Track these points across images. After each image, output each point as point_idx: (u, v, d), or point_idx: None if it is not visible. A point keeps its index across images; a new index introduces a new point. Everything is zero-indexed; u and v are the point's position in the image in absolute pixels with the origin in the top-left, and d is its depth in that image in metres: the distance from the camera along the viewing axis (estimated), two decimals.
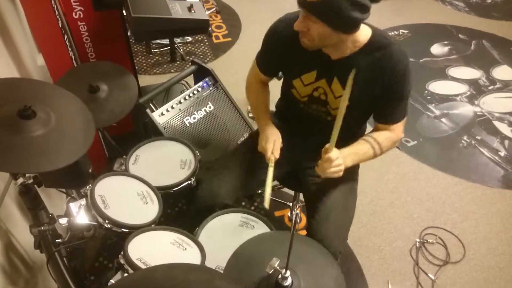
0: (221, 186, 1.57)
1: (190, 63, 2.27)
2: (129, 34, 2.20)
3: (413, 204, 2.46)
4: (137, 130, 2.19)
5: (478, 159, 2.76)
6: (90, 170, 1.52)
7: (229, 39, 3.78)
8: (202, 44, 3.69)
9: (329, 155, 1.33)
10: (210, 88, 2.16)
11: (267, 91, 1.73)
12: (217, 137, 2.10)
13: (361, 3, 1.18)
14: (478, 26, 4.15)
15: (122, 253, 1.22)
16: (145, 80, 3.23)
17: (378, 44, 1.36)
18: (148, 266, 1.20)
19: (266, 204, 1.40)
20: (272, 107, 1.83)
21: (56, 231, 1.43)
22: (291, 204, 2.30)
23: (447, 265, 2.16)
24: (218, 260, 1.31)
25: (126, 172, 1.58)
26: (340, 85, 1.43)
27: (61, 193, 1.83)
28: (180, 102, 2.05)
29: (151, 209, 1.45)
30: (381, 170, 2.64)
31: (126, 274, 1.21)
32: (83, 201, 1.38)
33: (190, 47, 3.65)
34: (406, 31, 4.01)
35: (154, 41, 3.59)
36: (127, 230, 1.33)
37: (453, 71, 3.55)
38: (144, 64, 3.43)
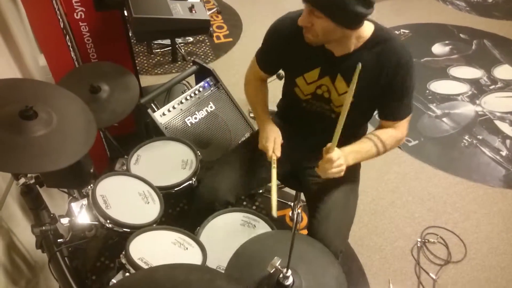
0: (222, 183, 1.57)
1: (191, 63, 2.27)
2: (130, 34, 2.20)
3: (414, 203, 2.45)
4: (138, 130, 2.19)
5: (480, 159, 2.76)
6: (91, 170, 1.53)
7: (230, 39, 3.78)
8: (203, 45, 3.69)
9: (330, 155, 1.32)
10: (212, 88, 2.16)
11: (266, 88, 1.73)
12: (218, 137, 2.11)
13: None
14: (479, 25, 4.15)
15: (123, 252, 1.23)
16: (146, 80, 3.23)
17: (380, 39, 1.36)
18: (149, 266, 1.20)
19: (274, 213, 1.39)
20: (274, 107, 1.84)
21: (58, 231, 1.43)
22: (292, 204, 2.30)
23: (449, 264, 2.15)
24: (219, 259, 1.31)
25: (127, 172, 1.58)
26: (344, 81, 1.43)
27: (63, 193, 1.84)
28: (181, 102, 2.05)
29: (153, 209, 1.45)
30: (382, 170, 2.64)
31: (127, 274, 1.21)
32: (84, 201, 1.39)
33: (191, 48, 3.66)
34: (407, 31, 4.01)
35: (155, 42, 3.59)
36: (129, 230, 1.34)
37: (454, 71, 3.54)
38: (146, 65, 3.44)
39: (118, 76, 1.78)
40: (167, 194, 1.55)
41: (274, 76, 2.21)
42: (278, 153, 1.52)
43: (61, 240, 1.43)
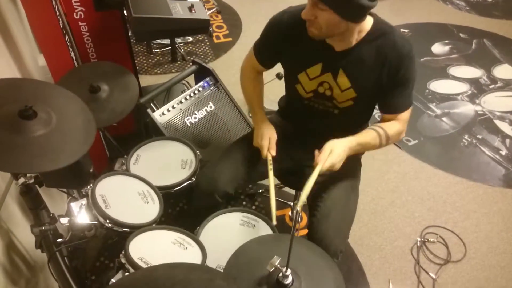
0: (222, 174, 1.57)
1: (191, 63, 2.27)
2: (130, 34, 2.21)
3: (414, 203, 2.45)
4: (138, 130, 2.19)
5: (479, 158, 2.76)
6: (91, 170, 1.52)
7: (230, 39, 3.78)
8: (203, 44, 3.69)
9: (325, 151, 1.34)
10: (211, 88, 2.16)
11: (262, 82, 1.72)
12: (218, 136, 2.11)
13: None
14: (479, 25, 4.15)
15: (123, 252, 1.23)
16: (146, 80, 3.23)
17: (380, 31, 1.36)
18: (149, 266, 1.20)
19: (274, 221, 1.40)
20: (274, 107, 1.84)
21: (57, 231, 1.43)
22: (292, 204, 2.30)
23: (448, 264, 2.15)
24: (219, 259, 1.31)
25: (127, 172, 1.58)
26: (346, 77, 1.42)
27: (62, 193, 1.83)
28: (181, 102, 2.05)
29: (152, 209, 1.45)
30: (382, 169, 2.64)
31: (127, 274, 1.21)
32: (84, 201, 1.39)
33: (191, 47, 3.66)
34: (406, 31, 4.01)
35: (155, 41, 3.59)
36: (128, 230, 1.34)
37: (454, 70, 3.54)
38: (145, 64, 3.44)
39: (118, 76, 1.78)
40: (166, 194, 1.55)
41: (274, 76, 2.23)
42: (273, 152, 1.52)
43: (61, 240, 1.43)
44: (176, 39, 3.47)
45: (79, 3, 1.89)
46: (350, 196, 1.54)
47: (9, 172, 1.37)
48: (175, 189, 1.58)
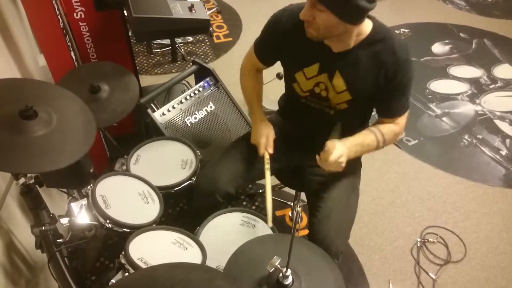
0: (222, 173, 1.57)
1: (191, 63, 2.27)
2: (130, 34, 2.20)
3: (414, 203, 2.45)
4: (138, 130, 2.19)
5: (480, 158, 2.76)
6: (91, 170, 1.52)
7: (230, 39, 3.78)
8: (203, 44, 3.69)
9: (328, 148, 1.35)
10: (211, 88, 2.16)
11: (261, 80, 1.72)
12: (218, 137, 2.11)
13: None
14: (479, 24, 4.14)
15: (123, 253, 1.23)
16: (146, 80, 3.23)
17: (379, 36, 1.35)
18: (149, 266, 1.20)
19: (270, 223, 1.40)
20: (274, 107, 1.84)
21: (57, 231, 1.43)
22: (292, 204, 2.30)
23: (448, 264, 2.15)
24: (219, 259, 1.31)
25: (127, 172, 1.58)
26: (341, 79, 1.42)
27: (63, 193, 1.84)
28: (181, 102, 2.05)
29: (152, 209, 1.45)
30: (382, 169, 2.63)
31: (127, 274, 1.21)
32: (84, 201, 1.39)
33: (191, 47, 3.66)
34: (407, 30, 4.01)
35: (155, 41, 3.59)
36: (128, 230, 1.34)
37: (454, 70, 3.54)
38: (145, 64, 3.44)
39: (118, 76, 1.78)
40: (166, 194, 1.55)
41: (274, 76, 2.23)
42: (271, 150, 1.52)
43: (61, 240, 1.43)
44: (176, 39, 3.47)
45: (79, 3, 1.90)
46: (350, 196, 1.55)
47: (10, 172, 1.37)
48: (175, 189, 1.58)
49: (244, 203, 2.31)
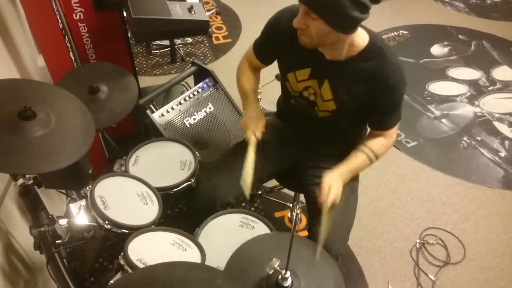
0: (222, 184, 1.56)
1: (190, 64, 2.27)
2: (129, 35, 2.20)
3: (413, 205, 2.45)
4: (137, 131, 2.19)
5: (479, 160, 2.76)
6: (90, 171, 1.52)
7: (229, 40, 3.78)
8: (202, 45, 3.69)
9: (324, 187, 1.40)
10: (210, 89, 2.16)
11: (258, 76, 1.72)
12: (217, 138, 2.11)
13: (362, 2, 1.17)
14: (478, 26, 4.15)
15: (122, 254, 1.22)
16: (145, 81, 3.23)
17: (374, 53, 1.35)
18: None
19: (247, 192, 1.41)
20: (274, 108, 1.84)
21: (56, 232, 1.43)
22: (291, 205, 2.30)
23: (448, 266, 2.15)
24: (218, 260, 1.30)
25: (126, 173, 1.58)
26: (329, 89, 1.43)
27: (61, 194, 1.83)
28: (180, 103, 2.05)
29: (151, 210, 1.45)
30: (381, 171, 2.63)
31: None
32: (83, 202, 1.38)
33: (190, 48, 3.66)
34: (406, 32, 4.02)
35: (154, 42, 3.59)
36: (127, 231, 1.33)
37: (453, 72, 3.55)
38: (144, 65, 3.44)
39: (117, 77, 1.78)
40: (165, 195, 1.54)
41: (273, 77, 2.23)
42: (258, 135, 1.52)
43: (59, 241, 1.43)
44: (175, 40, 3.47)
45: (78, 4, 1.89)
46: (349, 198, 1.55)
47: (8, 173, 1.37)
48: (174, 190, 1.57)
49: (243, 204, 2.30)
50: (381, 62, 1.35)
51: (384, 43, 1.39)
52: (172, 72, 3.39)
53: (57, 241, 1.42)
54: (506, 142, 2.90)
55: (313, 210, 1.52)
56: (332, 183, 1.40)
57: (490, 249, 2.24)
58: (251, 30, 3.87)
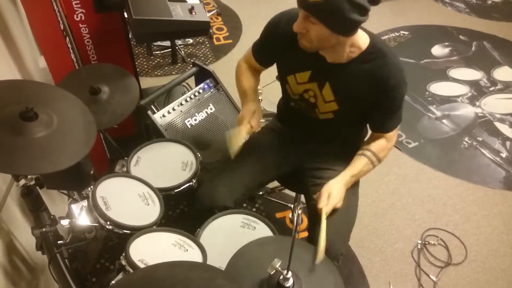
0: (220, 188, 1.56)
1: (191, 65, 2.28)
2: (130, 36, 2.21)
3: (414, 205, 2.45)
4: (138, 131, 2.19)
5: (480, 160, 2.76)
6: (91, 172, 1.52)
7: (230, 41, 3.79)
8: (203, 46, 3.70)
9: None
10: (211, 90, 2.16)
11: (258, 77, 1.72)
12: (218, 138, 2.11)
13: (361, 5, 1.18)
14: (479, 27, 4.15)
15: (123, 254, 1.22)
16: (146, 82, 3.24)
17: (375, 54, 1.36)
18: None
19: (232, 154, 1.43)
20: (275, 109, 1.84)
21: (58, 233, 1.43)
22: (292, 206, 2.29)
23: (449, 266, 2.15)
24: (219, 261, 1.30)
25: (127, 174, 1.58)
26: (331, 91, 1.44)
27: (63, 194, 1.84)
28: (181, 104, 2.05)
29: (153, 211, 1.45)
30: (382, 172, 2.63)
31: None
32: (84, 203, 1.39)
33: (191, 49, 3.66)
34: (406, 33, 4.02)
35: (155, 43, 3.59)
36: (129, 232, 1.33)
37: (454, 72, 3.55)
38: (145, 66, 3.44)
39: (118, 78, 1.78)
40: (167, 196, 1.55)
41: (275, 78, 2.23)
42: (254, 124, 1.51)
43: (61, 241, 1.43)
44: (176, 41, 3.48)
45: (79, 5, 1.90)
46: (350, 198, 1.55)
47: (10, 173, 1.37)
48: (175, 191, 1.57)
49: (244, 205, 2.31)
50: (382, 63, 1.35)
51: (384, 44, 1.39)
52: (173, 73, 3.39)
53: (59, 242, 1.42)
54: (507, 143, 2.89)
55: (313, 211, 1.52)
56: (332, 190, 1.42)
57: (491, 250, 2.24)
58: (252, 31, 3.87)
